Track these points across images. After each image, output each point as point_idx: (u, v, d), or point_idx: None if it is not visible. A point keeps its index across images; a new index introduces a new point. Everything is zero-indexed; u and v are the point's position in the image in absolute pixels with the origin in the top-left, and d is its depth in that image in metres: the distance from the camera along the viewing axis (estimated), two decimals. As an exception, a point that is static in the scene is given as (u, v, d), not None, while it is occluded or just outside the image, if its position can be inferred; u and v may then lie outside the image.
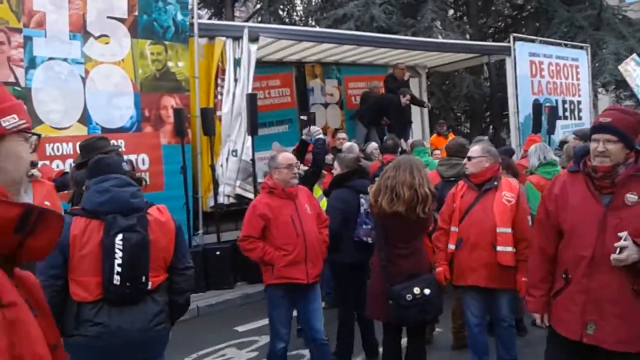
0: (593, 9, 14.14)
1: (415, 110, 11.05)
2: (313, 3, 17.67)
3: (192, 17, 7.19)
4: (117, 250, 2.54)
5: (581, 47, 11.35)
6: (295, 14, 18.15)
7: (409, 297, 3.74)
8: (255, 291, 6.56)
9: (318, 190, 5.48)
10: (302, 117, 6.38)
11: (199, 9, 18.24)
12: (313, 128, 5.83)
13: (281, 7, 17.27)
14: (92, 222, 2.61)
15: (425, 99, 11.69)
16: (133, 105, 6.82)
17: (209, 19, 17.38)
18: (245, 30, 7.34)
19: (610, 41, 12.32)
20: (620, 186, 2.57)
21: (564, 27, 13.69)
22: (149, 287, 2.64)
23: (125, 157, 5.82)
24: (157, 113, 6.97)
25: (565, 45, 11.24)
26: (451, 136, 9.45)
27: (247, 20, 19.06)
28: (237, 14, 21.02)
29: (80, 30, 6.50)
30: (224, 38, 7.36)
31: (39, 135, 1.32)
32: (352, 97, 10.56)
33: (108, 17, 6.67)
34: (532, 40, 10.58)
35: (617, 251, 2.45)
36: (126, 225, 2.59)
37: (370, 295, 4.02)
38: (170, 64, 7.07)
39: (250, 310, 6.27)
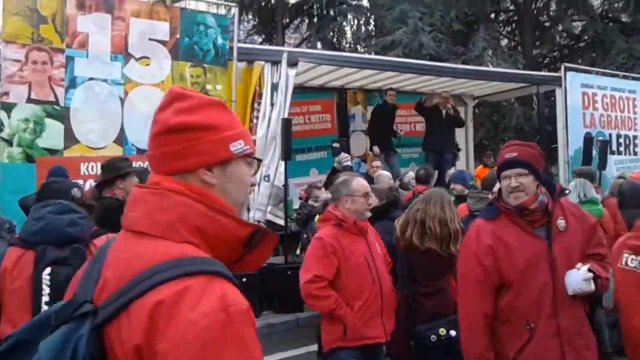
0: (654, 39, 13.54)
1: (460, 139, 10.76)
2: (362, 30, 17.71)
3: (232, 41, 7.20)
4: (44, 287, 2.26)
5: (639, 79, 10.78)
6: (344, 40, 18.21)
7: (433, 338, 3.52)
8: (280, 321, 6.39)
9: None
10: (334, 145, 6.28)
11: (250, 34, 18.84)
12: (342, 155, 5.71)
13: (330, 34, 17.36)
14: (27, 253, 2.34)
15: (471, 128, 11.38)
16: (169, 127, 6.84)
17: (261, 44, 17.71)
18: (284, 55, 7.32)
19: (670, 73, 11.69)
20: (552, 213, 2.57)
21: (622, 58, 13.14)
22: None
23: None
24: (193, 135, 6.97)
25: (623, 76, 10.71)
26: None
27: (297, 47, 19.32)
28: (289, 40, 21.37)
29: (121, 52, 6.61)
30: (262, 62, 7.35)
31: (260, 160, 1.41)
32: (394, 125, 10.34)
33: (150, 39, 6.77)
34: (587, 71, 10.13)
35: (580, 284, 2.44)
36: (56, 257, 2.29)
37: (393, 336, 3.79)
38: (208, 86, 7.09)
39: (273, 342, 6.08)
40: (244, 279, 6.66)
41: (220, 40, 7.10)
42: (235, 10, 7.56)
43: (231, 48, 7.15)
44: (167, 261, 1.07)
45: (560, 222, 2.57)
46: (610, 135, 10.07)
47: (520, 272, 2.50)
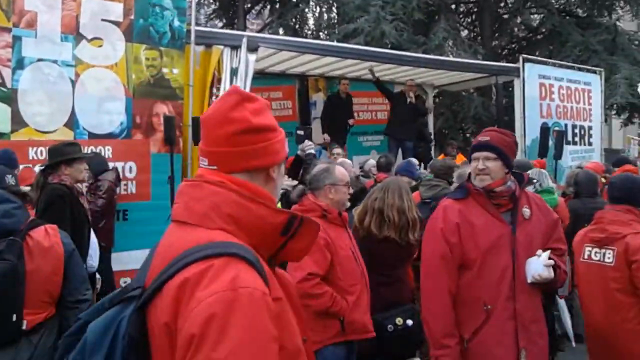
0: (608, 33, 13.89)
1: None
2: (325, 17, 17.60)
3: (190, 24, 6.98)
4: None
5: (595, 72, 11.02)
6: (306, 27, 18.07)
7: (390, 327, 3.51)
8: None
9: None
10: (298, 132, 6.17)
11: (211, 19, 18.48)
12: (305, 143, 5.64)
13: (293, 20, 17.17)
14: None
15: (431, 118, 11.47)
16: (124, 111, 6.61)
17: (221, 29, 17.38)
18: (244, 40, 7.15)
19: (624, 66, 12.01)
20: (518, 200, 2.62)
21: (578, 51, 13.44)
22: (24, 327, 2.17)
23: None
24: (149, 120, 6.76)
25: (579, 69, 10.93)
26: (460, 158, 9.19)
27: (259, 32, 19.05)
28: (251, 25, 21.05)
29: (72, 32, 6.32)
30: (221, 46, 7.16)
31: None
32: (356, 113, 10.30)
33: (102, 20, 6.49)
34: (544, 62, 10.29)
35: (540, 270, 2.45)
36: None
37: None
38: (165, 70, 6.86)
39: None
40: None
41: (177, 23, 6.87)
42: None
43: (189, 31, 6.92)
44: (197, 246, 1.17)
45: (526, 211, 2.61)
46: (566, 125, 10.27)
47: (483, 253, 2.52)
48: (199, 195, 1.27)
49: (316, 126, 10.26)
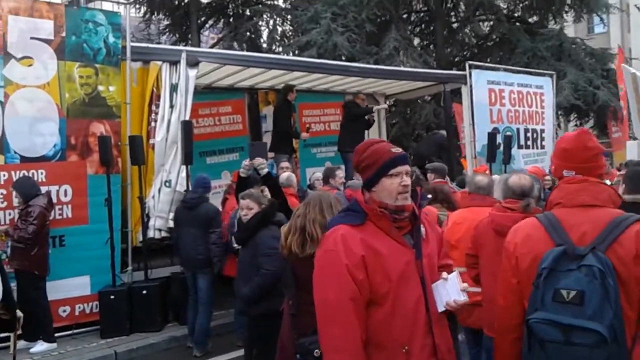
0: (555, 40, 14.19)
1: (373, 135, 10.78)
2: (279, 30, 17.52)
3: (125, 40, 6.78)
4: None
5: (546, 75, 11.17)
6: (261, 39, 17.94)
7: (317, 352, 3.33)
8: (183, 334, 6.06)
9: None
10: (252, 143, 5.86)
11: (162, 33, 18.19)
12: (257, 160, 5.18)
13: (247, 33, 17.04)
14: None
15: (384, 126, 11.46)
16: (57, 132, 6.35)
17: (174, 44, 17.11)
18: (183, 55, 6.97)
19: (570, 71, 12.28)
20: (417, 219, 2.31)
21: (527, 58, 13.69)
22: None
23: None
24: (85, 140, 6.51)
25: (530, 73, 11.07)
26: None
27: (213, 46, 18.84)
28: (205, 39, 20.81)
29: (0, 52, 6.06)
30: (159, 62, 6.97)
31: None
32: (307, 125, 10.19)
33: (32, 38, 6.24)
34: (492, 69, 10.40)
35: (455, 295, 2.23)
36: None
37: (280, 347, 3.59)
38: (100, 88, 6.64)
39: (175, 356, 5.78)
40: (144, 291, 6.32)
41: (112, 39, 6.66)
42: (127, 7, 7.14)
43: (124, 47, 6.72)
44: (620, 216, 2.00)
45: (422, 230, 2.34)
46: (517, 129, 10.36)
47: (395, 286, 2.18)
48: (601, 189, 2.09)
49: (267, 139, 10.12)
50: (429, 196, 4.50)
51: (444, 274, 2.29)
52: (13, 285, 4.89)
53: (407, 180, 2.27)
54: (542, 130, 11.07)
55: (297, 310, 3.35)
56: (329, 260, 2.25)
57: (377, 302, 2.19)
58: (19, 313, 3.84)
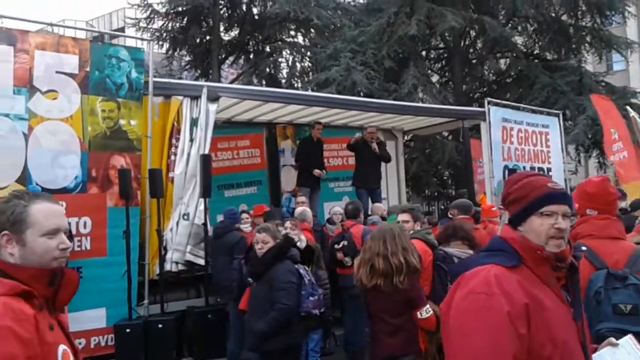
0: (575, 75, 14.17)
1: (392, 171, 10.77)
2: (298, 67, 17.80)
3: (147, 75, 6.92)
4: None
5: (553, 114, 11.08)
6: (280, 76, 18.22)
7: None
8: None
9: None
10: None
11: (184, 69, 18.58)
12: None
13: (267, 69, 17.35)
14: None
15: (402, 162, 11.42)
16: (79, 165, 6.43)
17: (195, 79, 17.45)
18: (204, 90, 7.08)
19: (590, 106, 12.19)
20: (577, 271, 1.94)
21: (546, 93, 13.66)
22: None
23: None
24: (105, 173, 6.58)
25: (539, 111, 11.01)
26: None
27: (233, 82, 19.15)
28: (226, 75, 21.18)
29: (25, 85, 6.21)
30: (181, 97, 7.09)
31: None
32: (327, 159, 10.22)
33: (57, 72, 6.39)
34: (507, 106, 10.36)
35: None
36: None
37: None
38: (122, 122, 6.75)
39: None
40: (160, 325, 6.27)
41: (134, 74, 6.80)
42: (150, 44, 7.31)
43: (146, 82, 6.86)
44: (638, 246, 2.48)
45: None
46: (524, 168, 10.23)
47: (558, 351, 1.74)
48: (621, 226, 2.56)
49: (285, 174, 10.17)
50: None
51: (612, 339, 1.97)
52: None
53: (563, 224, 1.87)
54: (549, 169, 10.86)
55: (372, 338, 3.76)
56: (481, 305, 1.77)
57: None
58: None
